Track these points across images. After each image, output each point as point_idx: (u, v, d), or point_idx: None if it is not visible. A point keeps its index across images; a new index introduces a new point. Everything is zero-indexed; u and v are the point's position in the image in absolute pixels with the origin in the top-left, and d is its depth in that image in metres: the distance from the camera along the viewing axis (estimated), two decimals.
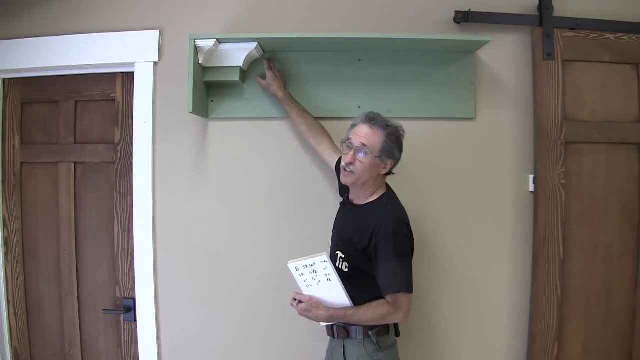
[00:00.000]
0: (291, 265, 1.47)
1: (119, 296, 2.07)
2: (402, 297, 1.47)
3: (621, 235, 1.93)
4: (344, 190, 1.72)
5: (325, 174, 1.92)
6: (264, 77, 1.89)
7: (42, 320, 2.14)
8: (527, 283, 1.94)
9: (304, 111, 1.85)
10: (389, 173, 1.59)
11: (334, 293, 1.48)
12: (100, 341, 2.11)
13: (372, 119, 1.53)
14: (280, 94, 1.84)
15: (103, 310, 2.08)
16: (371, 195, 1.58)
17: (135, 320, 2.01)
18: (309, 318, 1.52)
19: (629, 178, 1.94)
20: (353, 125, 1.58)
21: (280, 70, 1.90)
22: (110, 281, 2.09)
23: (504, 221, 1.96)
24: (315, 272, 1.45)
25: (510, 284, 1.95)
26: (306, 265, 1.45)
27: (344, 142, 1.56)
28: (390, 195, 1.59)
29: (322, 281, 1.47)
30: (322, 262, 1.43)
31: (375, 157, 1.50)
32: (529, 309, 1.93)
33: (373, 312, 1.47)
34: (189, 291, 1.97)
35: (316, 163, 1.92)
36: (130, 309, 2.04)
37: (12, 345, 2.12)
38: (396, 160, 1.56)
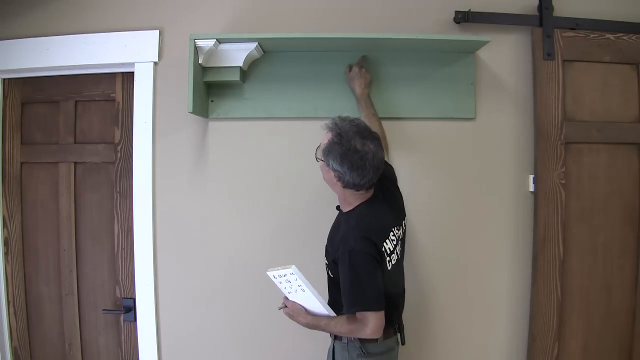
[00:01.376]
0: (269, 274, 1.48)
1: (119, 296, 2.07)
2: (368, 314, 1.41)
3: (621, 236, 1.93)
4: None
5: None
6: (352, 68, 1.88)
7: (42, 320, 2.14)
8: (527, 283, 1.94)
9: (372, 115, 1.80)
10: (353, 187, 1.45)
11: (310, 302, 1.49)
12: (100, 341, 2.11)
13: (330, 121, 1.48)
14: (358, 91, 1.83)
15: (103, 310, 2.08)
16: (348, 204, 1.54)
17: (135, 320, 2.01)
18: (295, 321, 1.55)
19: (629, 178, 1.94)
20: None
21: (367, 70, 1.87)
22: (110, 281, 2.09)
23: (504, 221, 1.96)
24: (290, 282, 1.46)
25: (510, 284, 1.95)
26: (280, 275, 1.46)
27: None
28: (362, 208, 1.50)
29: (297, 291, 1.48)
30: (291, 274, 1.43)
31: (319, 159, 1.50)
32: (529, 309, 1.93)
33: (342, 326, 1.46)
34: (189, 291, 1.97)
35: (316, 163, 1.92)
36: (130, 309, 2.04)
37: (12, 345, 2.12)
38: (337, 173, 1.42)
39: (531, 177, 1.93)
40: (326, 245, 1.59)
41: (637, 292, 1.92)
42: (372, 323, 1.40)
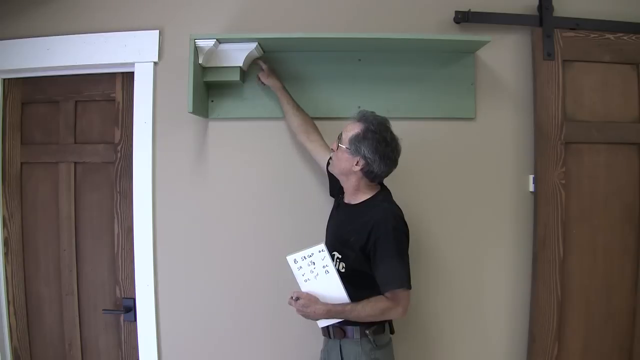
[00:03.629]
0: (290, 258, 1.48)
1: (119, 296, 2.07)
2: (402, 293, 1.48)
3: (621, 235, 1.93)
4: (334, 189, 1.75)
5: (323, 173, 1.91)
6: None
7: (42, 320, 2.14)
8: (527, 283, 1.94)
9: (298, 106, 1.86)
10: (372, 178, 1.54)
11: (332, 286, 1.48)
12: (100, 341, 2.11)
13: (358, 113, 1.56)
14: (280, 83, 1.86)
15: (103, 310, 2.08)
16: (362, 194, 1.59)
17: (135, 320, 2.01)
18: (307, 315, 1.51)
19: (629, 178, 1.94)
20: None
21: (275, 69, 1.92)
22: (110, 281, 2.09)
23: (504, 221, 1.96)
24: (314, 263, 1.46)
25: (510, 284, 1.95)
26: (304, 257, 1.46)
27: None
28: (384, 194, 1.61)
29: (320, 274, 1.47)
30: (320, 251, 1.45)
31: (344, 147, 1.53)
32: (529, 309, 1.93)
33: (372, 308, 1.47)
34: (189, 291, 1.97)
35: (314, 163, 1.92)
36: (130, 309, 2.04)
37: (12, 345, 2.12)
38: (367, 160, 1.49)
39: (531, 177, 1.93)
40: (340, 239, 1.57)
41: (637, 292, 1.92)
42: (404, 302, 1.49)
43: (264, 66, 1.88)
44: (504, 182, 1.96)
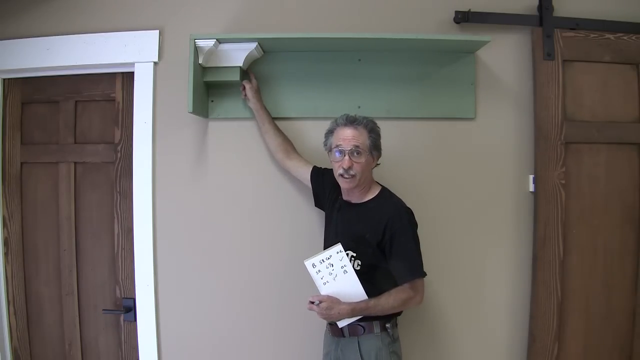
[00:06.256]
0: (308, 262, 1.50)
1: (119, 296, 2.07)
2: (419, 282, 1.56)
3: (621, 235, 1.93)
4: (322, 198, 1.77)
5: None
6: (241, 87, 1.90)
7: (42, 320, 2.14)
8: (527, 283, 1.94)
9: (277, 126, 1.88)
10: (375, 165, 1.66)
11: (351, 285, 1.51)
12: (100, 341, 2.11)
13: (353, 120, 1.58)
14: (261, 102, 1.88)
15: (103, 310, 2.08)
16: (368, 191, 1.63)
17: (135, 320, 2.01)
18: (331, 317, 1.54)
19: (629, 178, 1.94)
20: (330, 132, 1.62)
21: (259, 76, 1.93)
22: (110, 281, 2.09)
23: (504, 221, 1.96)
24: (332, 265, 1.49)
25: (510, 284, 1.95)
26: (322, 260, 1.49)
27: (333, 150, 1.59)
28: (388, 190, 1.66)
29: (338, 275, 1.50)
30: (338, 252, 1.49)
31: (367, 154, 1.56)
32: (529, 309, 1.93)
33: (394, 299, 1.53)
34: (189, 291, 1.97)
35: (314, 162, 1.92)
36: (130, 309, 2.04)
37: (12, 345, 2.12)
38: (380, 152, 1.62)
39: (531, 177, 1.93)
40: (354, 238, 1.58)
41: (637, 292, 1.92)
42: (422, 289, 1.58)
43: (254, 81, 1.89)
44: (504, 182, 1.96)
